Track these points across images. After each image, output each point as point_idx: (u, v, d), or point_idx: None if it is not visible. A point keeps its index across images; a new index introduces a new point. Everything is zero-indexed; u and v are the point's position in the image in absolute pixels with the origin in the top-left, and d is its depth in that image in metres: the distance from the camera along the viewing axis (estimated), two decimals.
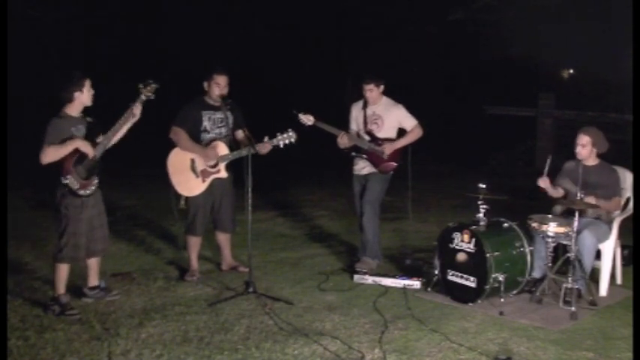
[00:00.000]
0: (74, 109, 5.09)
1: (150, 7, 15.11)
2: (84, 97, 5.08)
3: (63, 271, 5.11)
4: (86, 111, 5.18)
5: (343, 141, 6.19)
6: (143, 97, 5.15)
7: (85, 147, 5.00)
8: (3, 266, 5.54)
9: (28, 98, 12.07)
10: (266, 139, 5.69)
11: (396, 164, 6.25)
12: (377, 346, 4.46)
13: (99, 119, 5.24)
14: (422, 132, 6.28)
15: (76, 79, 5.07)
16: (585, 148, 5.63)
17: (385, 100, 6.34)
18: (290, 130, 5.70)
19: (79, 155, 4.99)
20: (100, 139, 5.12)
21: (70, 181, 4.96)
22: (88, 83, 5.10)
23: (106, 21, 14.99)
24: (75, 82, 5.05)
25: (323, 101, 10.50)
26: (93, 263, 5.35)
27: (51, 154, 4.91)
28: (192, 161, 5.84)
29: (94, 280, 5.38)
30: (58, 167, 4.95)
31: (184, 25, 15.47)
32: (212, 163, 5.81)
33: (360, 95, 6.38)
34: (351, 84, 15.37)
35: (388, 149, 6.18)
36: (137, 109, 5.15)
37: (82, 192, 5.03)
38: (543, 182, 5.66)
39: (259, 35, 15.93)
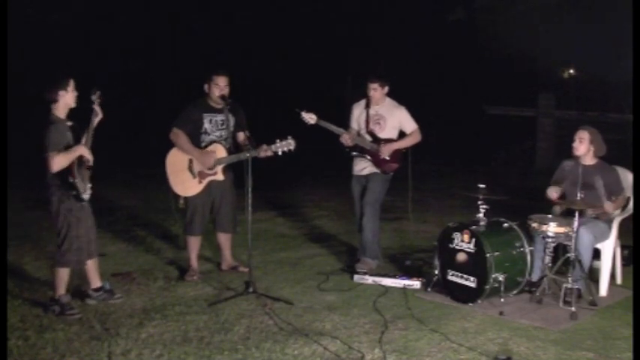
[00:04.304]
0: (61, 112, 5.03)
1: (151, 7, 15.12)
2: (68, 97, 5.01)
3: (64, 274, 5.10)
4: (69, 115, 5.11)
5: (346, 140, 6.20)
6: (97, 108, 5.07)
7: (89, 154, 5.00)
8: (3, 266, 5.53)
9: (27, 98, 12.05)
10: (264, 146, 5.65)
11: (397, 165, 6.25)
12: (377, 346, 4.46)
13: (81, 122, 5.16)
14: (420, 137, 6.28)
15: (60, 78, 5.02)
16: (583, 144, 5.61)
17: (388, 101, 6.33)
18: (289, 137, 5.66)
19: (79, 160, 4.98)
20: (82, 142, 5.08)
21: (78, 185, 4.95)
22: (72, 83, 5.04)
23: (106, 22, 15.00)
24: (60, 81, 5.00)
25: (323, 100, 10.50)
26: (91, 265, 5.33)
27: (61, 162, 4.86)
28: (190, 162, 5.84)
29: (96, 282, 5.36)
30: (58, 173, 4.90)
31: (184, 26, 15.48)
32: (208, 166, 5.82)
33: (361, 95, 6.37)
34: (351, 83, 15.38)
35: (385, 150, 6.18)
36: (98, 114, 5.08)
37: (84, 196, 5.03)
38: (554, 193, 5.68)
39: (260, 35, 15.93)
